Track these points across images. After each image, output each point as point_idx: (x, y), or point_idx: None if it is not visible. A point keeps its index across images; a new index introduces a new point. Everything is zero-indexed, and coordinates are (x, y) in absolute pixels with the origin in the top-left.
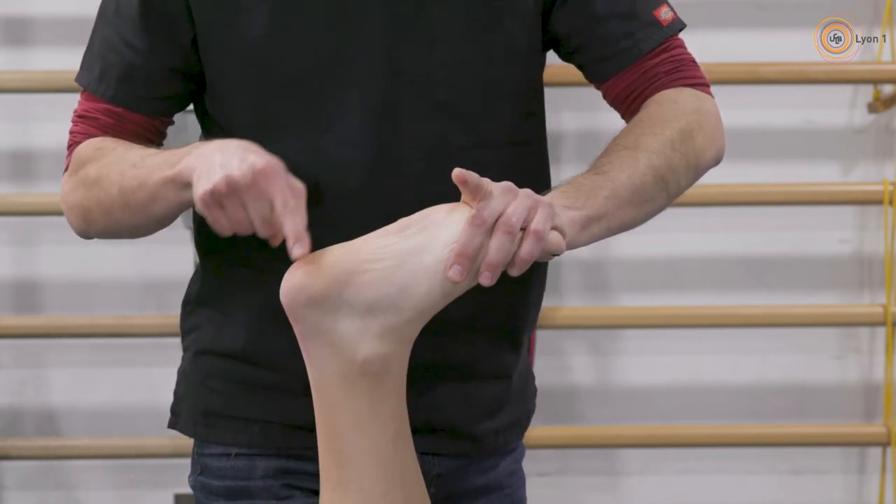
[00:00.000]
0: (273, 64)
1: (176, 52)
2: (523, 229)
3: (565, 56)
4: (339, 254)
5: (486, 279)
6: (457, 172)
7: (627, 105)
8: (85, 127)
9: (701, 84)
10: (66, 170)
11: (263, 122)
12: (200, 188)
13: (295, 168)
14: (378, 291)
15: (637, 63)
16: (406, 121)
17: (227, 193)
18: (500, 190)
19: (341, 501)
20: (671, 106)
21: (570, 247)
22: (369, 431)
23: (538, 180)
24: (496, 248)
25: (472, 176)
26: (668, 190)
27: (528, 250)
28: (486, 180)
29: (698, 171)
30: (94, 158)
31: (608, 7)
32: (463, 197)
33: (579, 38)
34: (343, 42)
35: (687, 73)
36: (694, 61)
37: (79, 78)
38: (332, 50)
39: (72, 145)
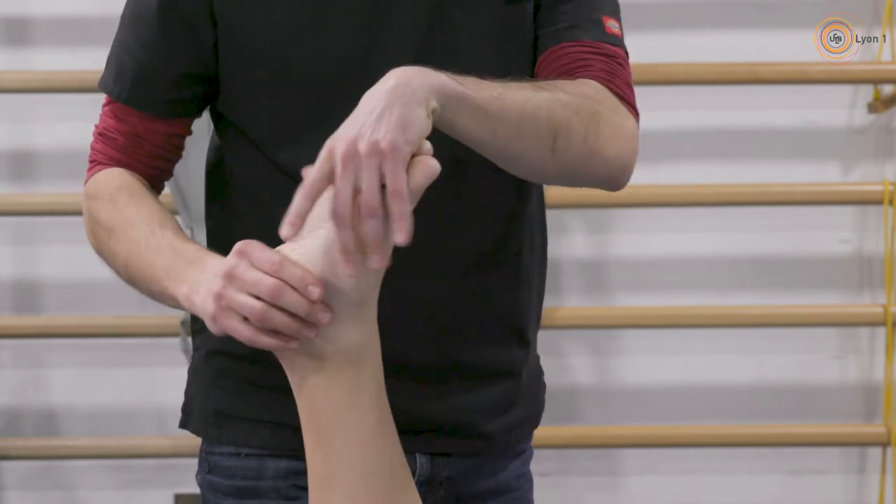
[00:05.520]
0: (297, 69)
1: (193, 56)
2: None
3: None
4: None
5: (376, 262)
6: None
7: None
8: (104, 146)
9: (630, 104)
10: (86, 182)
11: (285, 128)
12: (208, 326)
13: None
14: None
15: (572, 43)
16: None
17: (221, 328)
18: (341, 169)
19: (328, 498)
20: (595, 91)
21: (444, 126)
22: (352, 423)
23: (538, 189)
24: (371, 233)
25: (312, 170)
26: (553, 143)
27: (399, 212)
28: (322, 161)
29: (592, 155)
30: (108, 218)
31: (565, 4)
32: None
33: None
34: (368, 48)
35: (621, 85)
36: (631, 86)
37: (100, 81)
38: (357, 56)
39: (92, 162)
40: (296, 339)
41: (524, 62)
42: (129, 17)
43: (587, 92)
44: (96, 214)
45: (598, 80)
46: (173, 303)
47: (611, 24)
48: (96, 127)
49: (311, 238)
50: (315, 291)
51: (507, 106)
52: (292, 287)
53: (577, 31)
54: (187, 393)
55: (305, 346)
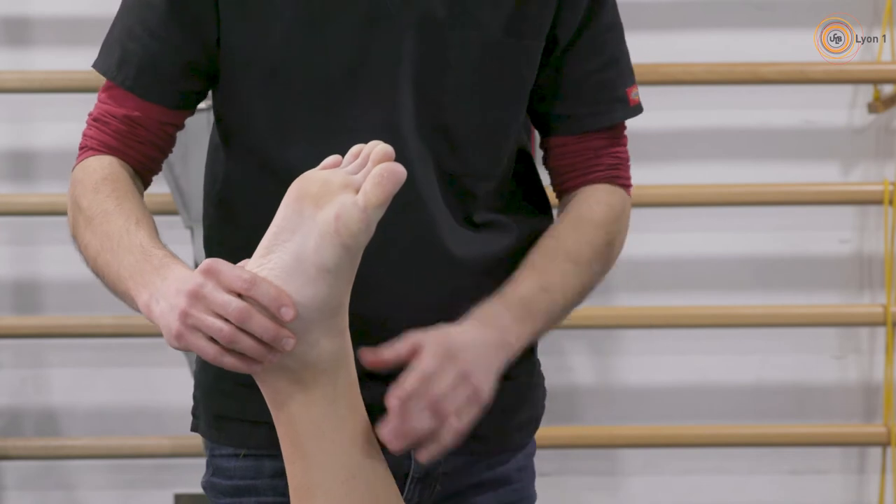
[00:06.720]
0: (294, 71)
1: (199, 49)
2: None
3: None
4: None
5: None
6: (370, 359)
7: (565, 177)
8: (97, 132)
9: (629, 186)
10: (74, 167)
11: (279, 128)
12: (168, 340)
13: None
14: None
15: (595, 132)
16: (410, 140)
17: (184, 345)
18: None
19: None
20: (609, 207)
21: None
22: (330, 434)
23: (520, 209)
24: (420, 424)
25: (388, 352)
26: (581, 299)
27: (446, 441)
28: (411, 343)
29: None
30: (88, 208)
31: (591, 68)
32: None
33: (553, 89)
34: (365, 55)
35: (624, 174)
36: (629, 160)
37: (97, 64)
38: (354, 62)
39: (83, 148)
40: (259, 362)
41: (513, 93)
42: (135, 4)
43: (601, 218)
44: (78, 200)
45: (609, 182)
46: (133, 306)
47: (633, 95)
48: (90, 115)
49: (278, 252)
50: (288, 313)
51: (553, 317)
52: (264, 306)
53: (602, 118)
54: (195, 396)
55: (278, 362)
